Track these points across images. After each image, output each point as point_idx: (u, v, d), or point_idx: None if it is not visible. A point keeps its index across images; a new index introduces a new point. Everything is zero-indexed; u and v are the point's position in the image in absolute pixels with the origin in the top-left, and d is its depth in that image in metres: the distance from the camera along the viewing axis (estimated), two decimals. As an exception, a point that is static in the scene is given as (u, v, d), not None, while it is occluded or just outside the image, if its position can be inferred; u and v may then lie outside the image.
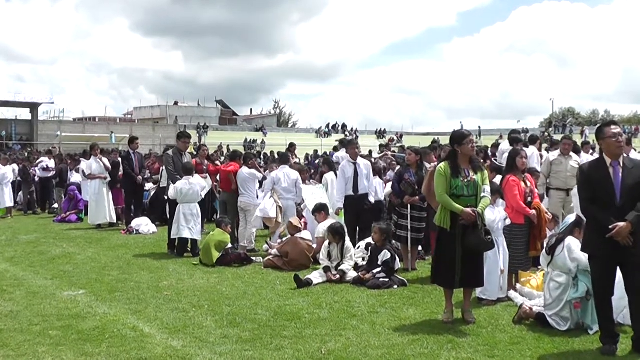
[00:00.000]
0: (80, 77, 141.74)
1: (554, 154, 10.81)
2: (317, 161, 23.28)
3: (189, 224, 10.55)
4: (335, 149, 14.20)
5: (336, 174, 11.21)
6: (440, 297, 6.98)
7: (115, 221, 14.85)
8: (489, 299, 7.04)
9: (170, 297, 7.53)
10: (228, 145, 44.30)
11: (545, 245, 6.70)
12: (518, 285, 7.41)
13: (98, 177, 14.83)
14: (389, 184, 10.47)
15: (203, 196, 10.91)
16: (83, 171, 15.75)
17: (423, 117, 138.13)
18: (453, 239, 6.23)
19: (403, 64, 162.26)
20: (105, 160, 15.15)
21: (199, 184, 10.75)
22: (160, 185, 14.15)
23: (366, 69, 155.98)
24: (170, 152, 11.67)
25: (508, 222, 7.28)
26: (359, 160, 10.37)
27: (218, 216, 12.15)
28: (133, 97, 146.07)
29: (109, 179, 14.86)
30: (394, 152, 19.45)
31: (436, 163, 7.58)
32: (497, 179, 8.25)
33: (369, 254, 8.72)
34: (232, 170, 11.41)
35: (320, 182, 12.20)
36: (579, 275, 6.11)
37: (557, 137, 32.90)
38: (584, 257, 5.94)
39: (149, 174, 15.81)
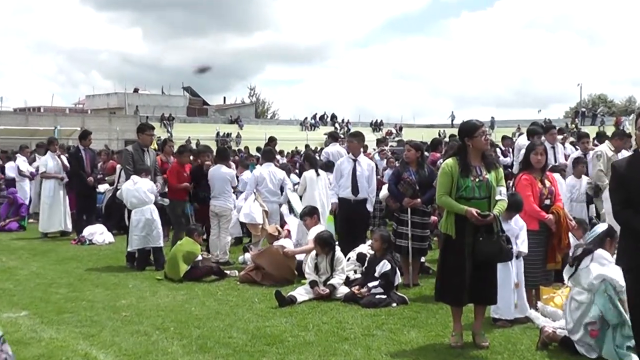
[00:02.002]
0: (22, 60, 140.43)
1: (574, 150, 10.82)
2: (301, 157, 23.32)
3: (142, 232, 10.53)
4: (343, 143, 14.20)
5: (317, 172, 11.24)
6: (447, 317, 6.99)
7: (70, 229, 14.77)
8: (504, 319, 7.05)
9: (130, 318, 7.49)
10: (198, 140, 44.25)
11: (570, 255, 6.66)
12: (539, 304, 7.36)
13: (54, 177, 14.73)
14: (385, 186, 10.48)
15: (153, 199, 10.81)
16: (35, 167, 15.69)
17: (426, 107, 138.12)
18: (461, 249, 6.22)
19: (403, 44, 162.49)
20: (64, 158, 15.05)
21: (145, 185, 10.69)
22: (118, 187, 14.09)
23: (359, 50, 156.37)
24: (129, 147, 11.63)
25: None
26: (361, 157, 10.33)
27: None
28: (85, 83, 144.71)
29: (66, 179, 14.78)
30: (392, 146, 19.47)
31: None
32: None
33: (366, 265, 8.74)
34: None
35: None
36: (595, 295, 6.00)
37: (587, 129, 33.16)
38: (612, 275, 5.88)
39: (101, 174, 15.73)
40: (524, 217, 7.38)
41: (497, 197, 6.29)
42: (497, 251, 6.19)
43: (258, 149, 22.86)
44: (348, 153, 10.67)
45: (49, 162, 14.87)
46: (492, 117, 64.33)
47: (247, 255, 10.52)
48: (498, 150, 16.12)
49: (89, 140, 14.73)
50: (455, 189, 6.26)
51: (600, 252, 6.19)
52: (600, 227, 6.53)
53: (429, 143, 14.96)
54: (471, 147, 6.35)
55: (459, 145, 6.58)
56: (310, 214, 10.03)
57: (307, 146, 30.74)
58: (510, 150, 17.34)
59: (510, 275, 7.01)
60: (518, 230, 7.15)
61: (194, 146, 35.58)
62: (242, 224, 11.83)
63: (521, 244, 7.15)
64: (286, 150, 28.93)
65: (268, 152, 12.27)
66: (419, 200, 9.06)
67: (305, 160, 12.38)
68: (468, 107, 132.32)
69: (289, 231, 10.77)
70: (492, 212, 6.20)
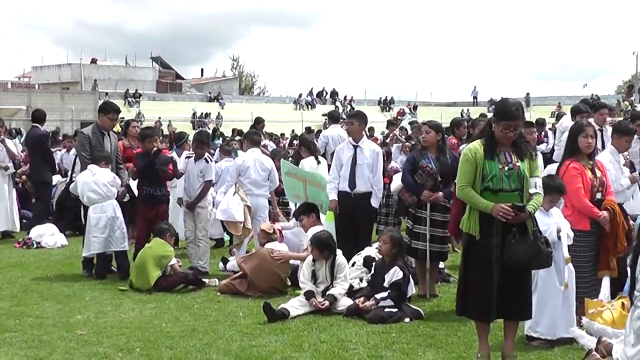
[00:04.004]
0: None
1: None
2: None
3: (103, 233, 10.51)
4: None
5: (317, 160, 11.24)
6: (471, 335, 7.02)
7: (17, 229, 14.79)
8: (543, 339, 7.06)
9: (87, 337, 7.50)
10: (170, 122, 44.25)
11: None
12: (584, 320, 7.32)
13: None
14: (397, 176, 10.45)
15: (115, 193, 10.74)
16: None
17: (446, 81, 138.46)
18: (487, 252, 6.19)
19: (418, 3, 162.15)
20: (10, 143, 15.01)
21: (106, 177, 10.63)
22: (73, 179, 14.10)
23: (366, 11, 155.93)
24: (86, 130, 11.61)
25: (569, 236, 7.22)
26: (364, 142, 10.32)
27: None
28: (31, 52, 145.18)
29: (11, 169, 14.76)
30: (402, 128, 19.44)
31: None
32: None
33: (373, 272, 8.74)
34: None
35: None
36: None
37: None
38: None
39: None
40: (572, 216, 7.37)
41: (531, 190, 6.24)
42: (533, 255, 6.12)
43: (240, 133, 22.81)
44: (349, 137, 10.61)
45: None
46: (528, 93, 64.73)
47: (232, 263, 10.48)
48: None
49: (45, 122, 14.89)
50: (480, 179, 6.22)
51: None
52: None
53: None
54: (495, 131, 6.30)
55: (486, 125, 6.53)
56: (306, 212, 9.98)
57: (307, 129, 30.63)
58: (550, 133, 17.30)
59: (555, 284, 7.01)
60: (559, 226, 7.10)
61: (165, 129, 35.59)
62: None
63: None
64: (277, 133, 28.92)
65: (253, 136, 12.23)
66: (440, 193, 9.05)
67: (302, 146, 12.36)
68: (497, 80, 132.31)
69: (280, 231, 10.75)
70: (526, 207, 6.16)
